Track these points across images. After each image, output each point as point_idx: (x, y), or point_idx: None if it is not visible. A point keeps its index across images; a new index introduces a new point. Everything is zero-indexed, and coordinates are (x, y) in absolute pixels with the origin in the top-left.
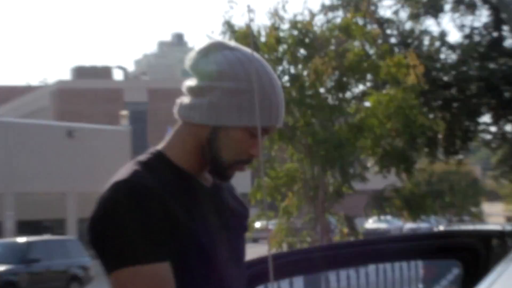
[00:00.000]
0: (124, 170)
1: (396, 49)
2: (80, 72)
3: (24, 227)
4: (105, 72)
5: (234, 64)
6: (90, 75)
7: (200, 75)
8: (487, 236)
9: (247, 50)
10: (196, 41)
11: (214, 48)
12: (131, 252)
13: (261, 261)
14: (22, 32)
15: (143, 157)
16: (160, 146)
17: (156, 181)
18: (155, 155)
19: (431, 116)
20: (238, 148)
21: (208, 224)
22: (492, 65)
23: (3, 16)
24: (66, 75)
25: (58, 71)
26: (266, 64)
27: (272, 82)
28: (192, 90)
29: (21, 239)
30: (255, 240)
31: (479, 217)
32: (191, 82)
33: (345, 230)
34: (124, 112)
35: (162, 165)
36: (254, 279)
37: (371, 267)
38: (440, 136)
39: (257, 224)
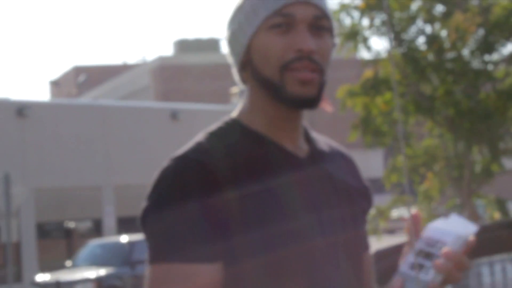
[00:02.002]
0: (188, 143)
1: None
2: (184, 46)
3: (126, 224)
4: (211, 44)
5: None
6: (195, 49)
7: (232, 13)
8: None
9: None
10: None
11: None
12: (167, 247)
13: (399, 248)
14: (116, 6)
15: (214, 126)
16: (234, 113)
17: (220, 155)
18: (228, 123)
19: None
20: (273, 51)
21: (294, 200)
22: None
23: None
24: (168, 51)
25: (158, 47)
26: None
27: None
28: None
29: (123, 238)
30: (391, 232)
31: None
32: None
33: (496, 215)
34: (235, 89)
35: (235, 133)
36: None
37: None
38: None
39: (394, 212)
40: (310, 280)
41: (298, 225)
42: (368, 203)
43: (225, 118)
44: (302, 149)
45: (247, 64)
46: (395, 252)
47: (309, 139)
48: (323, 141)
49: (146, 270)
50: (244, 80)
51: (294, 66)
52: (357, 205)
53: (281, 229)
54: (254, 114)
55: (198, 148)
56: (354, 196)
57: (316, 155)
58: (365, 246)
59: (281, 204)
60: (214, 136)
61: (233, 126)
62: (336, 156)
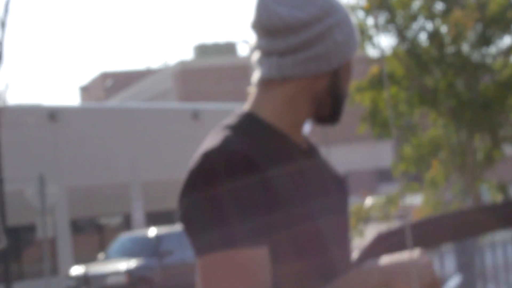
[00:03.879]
0: (213, 138)
1: None
2: (202, 50)
3: (154, 219)
4: (229, 48)
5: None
6: (214, 52)
7: (301, 22)
8: None
9: None
10: None
11: None
12: (224, 234)
13: (400, 231)
14: (139, 14)
15: (230, 120)
16: (246, 108)
17: (250, 146)
18: (245, 116)
19: None
20: (351, 80)
21: (309, 190)
22: None
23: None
24: (188, 55)
25: (179, 52)
26: None
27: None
28: (303, 43)
29: (152, 231)
30: (401, 217)
31: None
32: (285, 39)
33: (499, 198)
34: (252, 89)
35: (254, 126)
36: (394, 250)
37: None
38: None
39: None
40: (326, 256)
41: (317, 208)
42: (348, 191)
43: (239, 112)
44: (303, 141)
45: (332, 74)
46: (395, 234)
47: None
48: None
49: (198, 261)
50: (294, 79)
51: None
52: (345, 192)
53: (307, 211)
54: (275, 111)
55: (231, 140)
56: (342, 184)
57: (312, 147)
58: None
59: (304, 190)
60: (237, 129)
61: (251, 120)
62: (319, 150)
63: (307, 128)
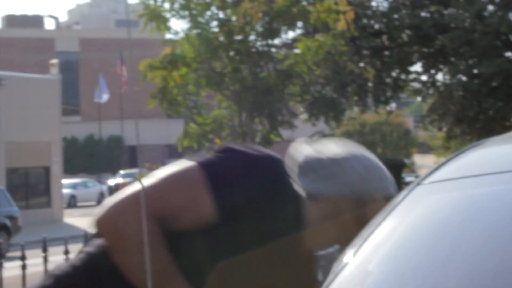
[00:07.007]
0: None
1: None
2: (11, 20)
3: None
4: (36, 21)
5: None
6: (21, 24)
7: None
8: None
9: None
10: None
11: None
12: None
13: None
14: None
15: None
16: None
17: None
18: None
19: (361, 64)
20: None
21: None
22: (423, 13)
23: None
24: None
25: None
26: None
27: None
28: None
29: None
30: None
31: (410, 169)
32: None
33: None
34: (54, 61)
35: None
36: None
37: None
38: (370, 84)
39: None
40: None
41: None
42: None
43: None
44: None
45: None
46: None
47: None
48: None
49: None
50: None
51: None
52: None
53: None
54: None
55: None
56: None
57: None
58: None
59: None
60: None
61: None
62: None
63: (105, 98)
